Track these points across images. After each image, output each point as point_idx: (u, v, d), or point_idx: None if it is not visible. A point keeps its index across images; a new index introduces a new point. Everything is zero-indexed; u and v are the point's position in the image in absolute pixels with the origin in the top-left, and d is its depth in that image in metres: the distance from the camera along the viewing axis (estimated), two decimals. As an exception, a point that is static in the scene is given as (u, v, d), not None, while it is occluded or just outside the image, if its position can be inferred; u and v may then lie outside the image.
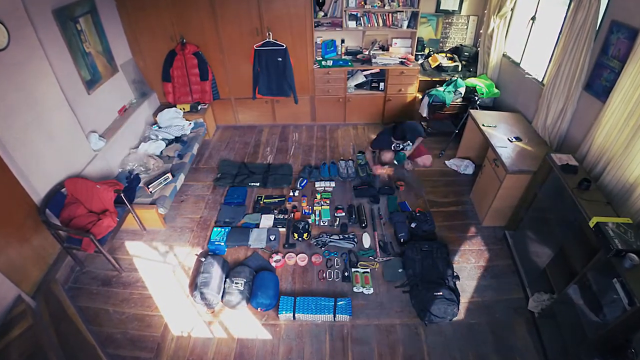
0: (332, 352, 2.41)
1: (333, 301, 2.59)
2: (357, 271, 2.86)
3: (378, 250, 3.06)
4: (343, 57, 4.60)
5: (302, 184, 3.77)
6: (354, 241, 3.09)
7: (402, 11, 4.23)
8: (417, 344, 2.44)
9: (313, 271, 2.92)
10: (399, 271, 2.85)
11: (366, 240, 3.14)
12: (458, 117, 4.20)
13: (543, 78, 3.37)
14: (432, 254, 2.85)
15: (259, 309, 2.61)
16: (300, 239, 3.14)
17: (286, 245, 3.12)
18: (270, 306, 2.61)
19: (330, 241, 3.08)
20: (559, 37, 3.03)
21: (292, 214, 3.41)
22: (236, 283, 2.66)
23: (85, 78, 3.34)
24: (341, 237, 3.11)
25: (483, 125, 3.36)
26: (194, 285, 2.71)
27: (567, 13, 2.93)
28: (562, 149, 3.06)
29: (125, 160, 3.61)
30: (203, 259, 2.86)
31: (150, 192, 3.30)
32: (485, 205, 3.20)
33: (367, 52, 4.53)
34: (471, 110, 3.68)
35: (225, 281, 2.73)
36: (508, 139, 3.15)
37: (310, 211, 3.45)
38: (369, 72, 4.55)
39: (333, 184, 3.77)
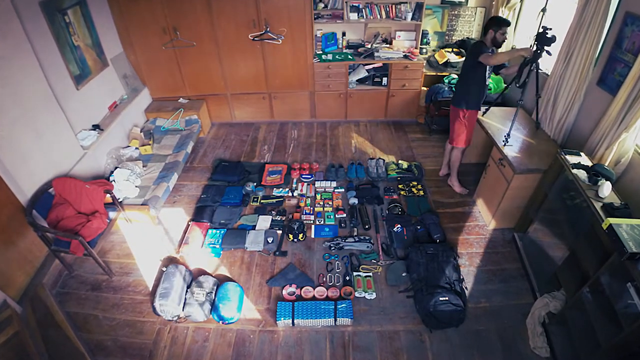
0: (332, 360, 2.31)
1: (333, 304, 2.50)
2: (359, 275, 2.75)
3: (381, 253, 2.94)
4: (344, 50, 4.46)
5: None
6: (371, 242, 2.96)
7: (406, 2, 4.09)
8: (421, 352, 2.34)
9: (313, 274, 2.80)
10: (403, 275, 2.74)
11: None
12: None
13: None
14: (438, 257, 2.74)
15: (220, 322, 2.47)
16: (295, 240, 3.02)
17: (277, 253, 2.94)
18: (234, 320, 2.47)
19: (346, 244, 2.94)
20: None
21: (291, 216, 3.29)
22: (197, 294, 2.51)
23: (74, 73, 3.22)
24: (356, 240, 2.98)
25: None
26: (153, 296, 2.55)
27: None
28: (570, 145, 2.93)
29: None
30: (164, 269, 2.69)
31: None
32: (492, 207, 3.07)
33: (369, 46, 4.38)
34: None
35: (186, 292, 2.58)
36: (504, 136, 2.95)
37: (311, 212, 3.33)
38: (371, 66, 4.40)
39: (334, 184, 3.65)
